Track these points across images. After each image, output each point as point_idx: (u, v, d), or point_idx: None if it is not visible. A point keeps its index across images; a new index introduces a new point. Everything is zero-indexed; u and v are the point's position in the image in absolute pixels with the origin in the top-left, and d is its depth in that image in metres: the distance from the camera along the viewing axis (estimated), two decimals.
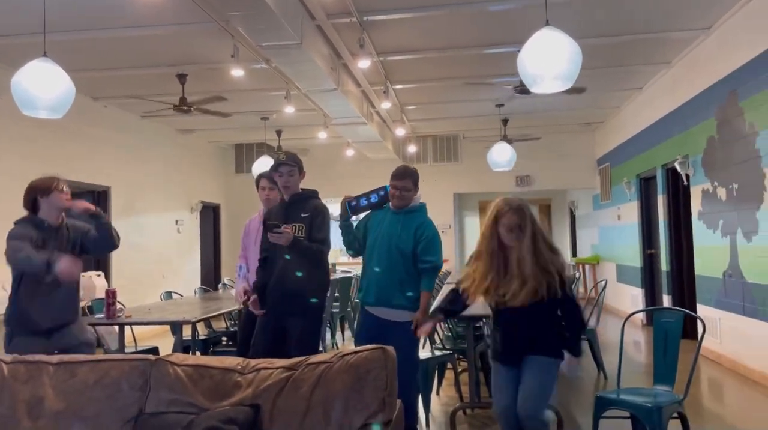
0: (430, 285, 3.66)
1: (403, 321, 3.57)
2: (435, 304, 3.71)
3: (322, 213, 3.77)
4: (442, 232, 11.93)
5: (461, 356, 4.94)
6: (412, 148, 11.38)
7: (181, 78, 6.76)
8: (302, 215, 3.70)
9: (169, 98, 7.05)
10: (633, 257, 9.19)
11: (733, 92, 5.71)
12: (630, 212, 9.33)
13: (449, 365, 4.97)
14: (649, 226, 8.67)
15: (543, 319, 2.93)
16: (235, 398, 2.12)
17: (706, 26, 5.98)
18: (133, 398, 2.15)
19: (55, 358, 2.30)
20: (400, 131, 10.20)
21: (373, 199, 3.81)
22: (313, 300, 3.69)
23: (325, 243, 3.72)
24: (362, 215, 3.92)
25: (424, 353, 4.82)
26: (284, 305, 3.60)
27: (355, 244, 3.86)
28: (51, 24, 4.60)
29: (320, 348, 5.47)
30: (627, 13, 5.61)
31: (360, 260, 3.93)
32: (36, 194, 3.38)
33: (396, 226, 3.70)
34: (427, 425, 4.23)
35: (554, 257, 2.91)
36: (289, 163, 3.75)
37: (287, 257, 3.64)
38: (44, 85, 3.97)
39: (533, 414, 2.86)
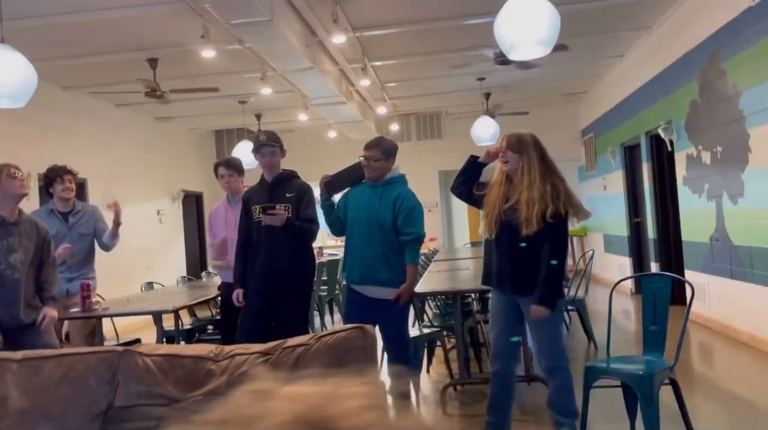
0: (414, 258, 3.61)
1: (390, 298, 3.52)
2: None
3: (309, 192, 3.76)
4: (429, 210, 11.90)
5: (450, 333, 4.88)
6: (394, 127, 11.24)
7: (152, 62, 6.58)
8: (287, 196, 3.66)
9: (141, 85, 6.86)
10: (620, 227, 9.17)
11: (714, 54, 5.63)
12: (616, 182, 9.28)
13: (438, 343, 4.91)
14: (635, 194, 8.64)
15: (537, 254, 3.02)
16: (209, 387, 2.02)
17: None
18: (101, 393, 2.05)
19: (18, 354, 2.19)
20: (382, 110, 10.06)
21: (348, 174, 3.73)
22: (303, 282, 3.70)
23: (315, 222, 3.71)
24: (341, 194, 3.84)
25: (412, 331, 4.75)
26: (272, 287, 3.55)
27: (337, 223, 3.77)
28: (10, 11, 4.41)
29: (310, 331, 5.40)
30: None
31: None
32: None
33: (374, 199, 3.61)
34: (418, 403, 4.17)
35: (555, 184, 3.01)
36: (270, 144, 3.70)
37: (274, 238, 3.60)
38: (3, 72, 3.81)
39: (552, 364, 3.14)
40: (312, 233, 3.71)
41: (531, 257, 3.03)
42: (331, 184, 3.72)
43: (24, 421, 2.03)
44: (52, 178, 4.36)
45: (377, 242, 3.56)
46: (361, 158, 3.68)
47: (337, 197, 3.82)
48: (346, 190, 3.81)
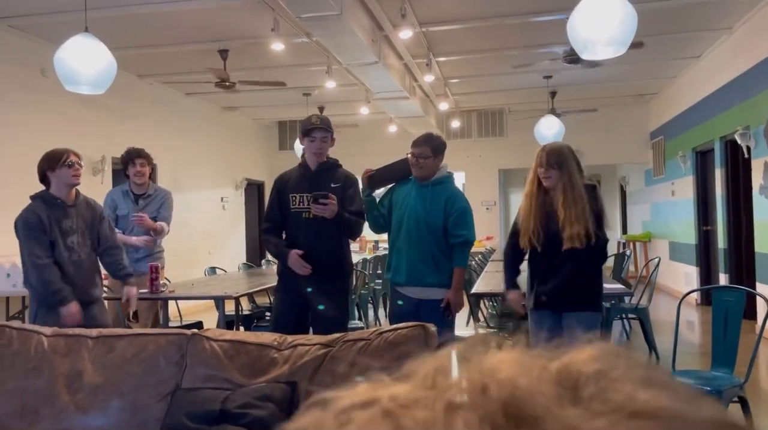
0: (463, 261, 3.46)
1: (436, 298, 3.42)
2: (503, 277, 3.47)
3: (355, 184, 3.49)
4: (487, 209, 11.80)
5: (506, 335, 4.82)
6: (455, 123, 11.16)
7: (223, 53, 6.74)
8: (332, 186, 3.38)
9: (212, 75, 7.04)
10: (687, 234, 8.82)
11: None
12: (685, 187, 8.93)
13: None
14: (705, 201, 8.29)
15: (582, 267, 2.92)
16: (271, 375, 2.07)
17: None
18: (169, 373, 2.13)
19: (94, 331, 2.30)
20: (444, 106, 9.99)
21: (394, 169, 3.59)
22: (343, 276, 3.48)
23: (363, 217, 3.46)
24: (383, 190, 3.70)
25: (466, 330, 4.72)
26: (308, 285, 3.38)
27: (380, 220, 3.61)
28: (92, 0, 4.60)
29: (362, 324, 5.43)
30: None
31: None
32: (44, 168, 3.17)
33: (423, 200, 3.45)
34: None
35: (584, 198, 2.89)
36: (324, 128, 3.41)
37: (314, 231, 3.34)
38: (86, 60, 3.99)
39: None
40: (360, 227, 3.45)
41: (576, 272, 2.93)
42: (374, 179, 3.58)
43: (98, 396, 2.13)
44: (126, 160, 4.54)
45: (426, 244, 3.43)
46: (409, 155, 3.51)
47: (378, 193, 3.68)
48: (390, 186, 3.68)
